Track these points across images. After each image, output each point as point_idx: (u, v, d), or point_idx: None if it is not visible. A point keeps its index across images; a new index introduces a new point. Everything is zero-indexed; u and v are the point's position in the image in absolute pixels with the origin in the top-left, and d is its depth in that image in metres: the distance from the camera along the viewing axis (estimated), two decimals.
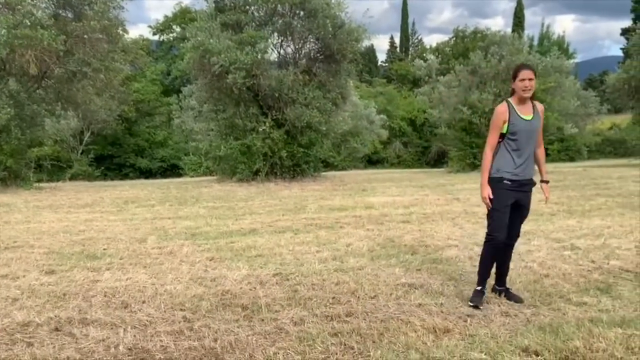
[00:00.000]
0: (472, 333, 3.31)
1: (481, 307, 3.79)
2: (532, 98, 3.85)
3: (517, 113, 3.84)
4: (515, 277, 4.59)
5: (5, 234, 7.19)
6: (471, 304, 3.82)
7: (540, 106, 3.93)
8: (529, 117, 3.84)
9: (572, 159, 35.11)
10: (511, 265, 5.00)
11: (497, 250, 3.95)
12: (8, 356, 3.01)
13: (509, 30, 46.67)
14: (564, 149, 36.13)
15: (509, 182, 3.87)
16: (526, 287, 4.31)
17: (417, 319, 3.55)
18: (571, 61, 25.05)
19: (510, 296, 4.01)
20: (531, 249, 5.77)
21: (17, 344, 3.19)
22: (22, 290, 4.31)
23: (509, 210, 3.88)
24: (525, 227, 7.08)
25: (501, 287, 4.11)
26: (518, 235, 4.08)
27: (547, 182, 4.12)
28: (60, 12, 15.07)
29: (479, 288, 3.94)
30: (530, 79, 3.77)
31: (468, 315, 3.64)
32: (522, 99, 3.83)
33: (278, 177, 16.11)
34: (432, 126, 30.90)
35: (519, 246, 5.86)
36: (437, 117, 21.44)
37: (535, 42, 49.14)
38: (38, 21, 13.56)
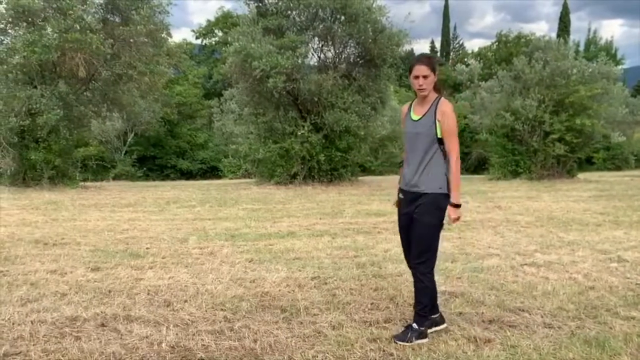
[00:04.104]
0: (514, 344, 3.25)
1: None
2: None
3: (410, 113, 3.36)
4: (559, 288, 4.47)
5: (53, 230, 7.45)
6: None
7: (444, 106, 3.20)
8: (416, 117, 3.30)
9: (618, 168, 33.99)
10: (555, 276, 4.90)
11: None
12: (57, 349, 3.13)
13: (554, 35, 45.67)
14: (610, 158, 35.02)
15: (400, 195, 3.45)
16: (570, 298, 4.19)
17: (458, 328, 3.51)
18: (619, 67, 24.19)
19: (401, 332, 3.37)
20: (576, 260, 5.61)
21: (65, 338, 3.30)
22: (70, 286, 4.46)
23: (403, 227, 3.45)
24: (569, 237, 6.95)
25: (434, 314, 3.47)
26: (415, 262, 3.33)
27: (455, 205, 3.24)
28: (109, 16, 15.57)
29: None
30: (424, 77, 3.18)
31: (510, 326, 3.57)
32: (421, 97, 3.31)
33: (315, 181, 16.17)
34: (472, 132, 30.45)
35: (563, 257, 5.72)
36: (479, 122, 21.09)
37: (582, 48, 47.84)
38: (88, 26, 14.06)
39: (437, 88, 3.32)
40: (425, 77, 3.20)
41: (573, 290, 4.44)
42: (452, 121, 3.20)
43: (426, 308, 3.37)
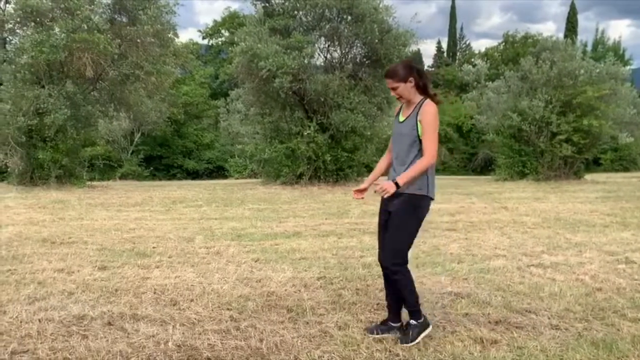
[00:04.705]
0: (521, 345, 3.23)
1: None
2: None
3: (399, 114, 3.41)
4: (566, 289, 4.45)
5: (60, 229, 7.49)
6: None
7: (425, 107, 3.21)
8: (402, 119, 3.34)
9: (626, 169, 33.84)
10: (561, 277, 4.88)
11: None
12: (65, 347, 3.14)
13: (561, 35, 45.50)
14: (617, 159, 34.87)
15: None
16: (577, 300, 4.17)
17: (464, 329, 3.50)
18: (627, 68, 24.09)
19: (400, 334, 3.35)
20: (583, 261, 5.58)
21: (73, 336, 3.32)
22: (77, 285, 4.48)
23: (382, 226, 3.42)
24: (576, 238, 6.92)
25: (395, 323, 3.44)
26: (389, 262, 3.28)
27: (396, 183, 3.13)
28: (116, 16, 15.65)
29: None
30: (392, 88, 3.27)
31: (516, 327, 3.55)
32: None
33: (321, 181, 16.18)
34: (479, 132, 30.33)
35: (570, 258, 5.70)
36: (485, 123, 21.03)
37: (589, 48, 47.60)
38: (95, 26, 14.13)
39: (422, 89, 3.30)
40: (394, 88, 3.25)
41: (580, 291, 4.41)
42: (430, 122, 3.16)
43: (416, 302, 3.32)
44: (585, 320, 3.72)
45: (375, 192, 3.24)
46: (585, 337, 3.37)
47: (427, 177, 3.24)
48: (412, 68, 3.27)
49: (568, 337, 3.38)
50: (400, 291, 3.34)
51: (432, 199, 3.29)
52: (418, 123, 3.20)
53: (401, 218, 3.24)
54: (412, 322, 3.30)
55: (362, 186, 3.54)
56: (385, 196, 3.16)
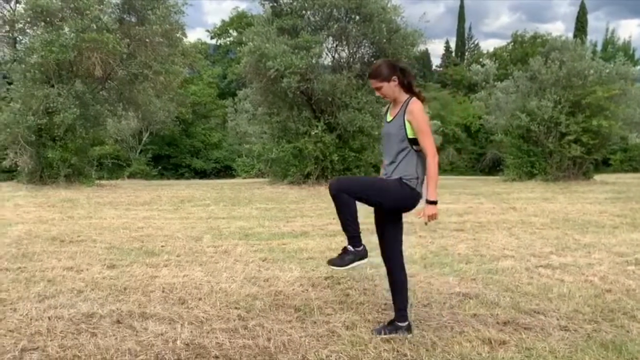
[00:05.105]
0: (529, 346, 3.22)
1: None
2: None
3: (387, 114, 3.42)
4: (575, 290, 4.42)
5: (69, 228, 7.54)
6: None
7: (411, 106, 3.19)
8: (389, 118, 3.35)
9: (635, 170, 33.56)
10: (570, 278, 4.85)
11: None
12: (74, 344, 3.16)
13: (570, 35, 45.23)
14: (627, 159, 34.60)
15: None
16: (586, 301, 4.14)
17: (472, 330, 3.48)
18: (637, 67, 23.92)
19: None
20: (592, 262, 5.55)
21: (82, 334, 3.34)
22: (86, 283, 4.51)
23: (377, 224, 3.54)
24: (585, 239, 6.87)
25: (402, 323, 3.42)
26: (335, 185, 3.23)
27: (432, 202, 3.23)
28: (125, 16, 15.75)
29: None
30: (377, 88, 3.28)
31: (525, 328, 3.54)
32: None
33: (329, 181, 16.17)
34: (487, 132, 30.20)
35: (579, 259, 5.66)
36: (494, 123, 20.95)
37: (599, 48, 47.31)
38: (104, 25, 14.22)
39: (406, 87, 3.29)
40: (378, 88, 3.26)
41: (589, 292, 4.38)
42: (420, 120, 3.16)
43: (353, 229, 3.30)
44: (595, 321, 3.69)
45: (426, 224, 3.33)
46: (594, 339, 3.35)
47: (416, 171, 3.24)
48: (395, 67, 3.27)
49: (577, 339, 3.36)
50: (337, 211, 3.29)
51: (421, 196, 3.30)
52: (406, 122, 3.20)
53: (390, 185, 3.25)
54: (350, 248, 3.29)
55: None
56: (437, 219, 3.32)
